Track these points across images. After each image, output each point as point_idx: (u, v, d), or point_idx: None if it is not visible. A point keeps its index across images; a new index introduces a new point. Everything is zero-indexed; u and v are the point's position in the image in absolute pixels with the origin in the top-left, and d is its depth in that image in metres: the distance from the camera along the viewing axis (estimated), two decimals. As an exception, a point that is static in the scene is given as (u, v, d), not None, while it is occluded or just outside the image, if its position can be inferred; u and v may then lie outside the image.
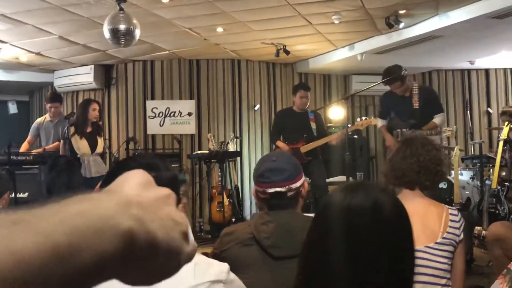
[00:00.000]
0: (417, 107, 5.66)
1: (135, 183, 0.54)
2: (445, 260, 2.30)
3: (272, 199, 2.05)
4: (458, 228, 2.36)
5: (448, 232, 2.33)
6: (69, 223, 0.44)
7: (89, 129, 6.17)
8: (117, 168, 1.48)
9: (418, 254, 2.21)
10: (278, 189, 2.03)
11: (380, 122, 6.10)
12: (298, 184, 2.08)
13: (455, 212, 2.41)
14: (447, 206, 2.43)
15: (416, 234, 2.15)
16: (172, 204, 0.54)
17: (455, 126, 5.82)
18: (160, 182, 1.44)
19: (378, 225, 1.23)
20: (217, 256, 2.09)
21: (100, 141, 6.22)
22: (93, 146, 6.12)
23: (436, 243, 2.30)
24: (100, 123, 6.63)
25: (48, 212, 0.44)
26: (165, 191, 0.55)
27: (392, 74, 5.64)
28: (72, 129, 6.04)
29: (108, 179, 1.44)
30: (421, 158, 2.44)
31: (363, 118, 6.29)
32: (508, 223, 3.58)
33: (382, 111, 6.20)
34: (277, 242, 1.96)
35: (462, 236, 2.36)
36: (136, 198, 0.50)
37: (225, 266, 1.48)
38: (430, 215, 2.35)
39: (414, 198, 2.41)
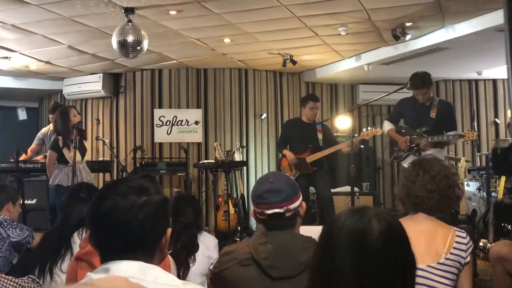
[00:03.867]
0: (433, 117, 5.61)
1: None
2: (447, 282, 2.29)
3: (270, 220, 2.08)
4: (465, 251, 2.33)
5: (452, 253, 2.31)
6: None
7: (72, 136, 5.90)
8: (106, 191, 1.49)
9: (420, 272, 2.25)
10: (276, 210, 2.06)
11: (387, 125, 5.95)
12: (296, 204, 2.11)
13: (463, 234, 2.38)
14: (455, 228, 2.41)
15: (420, 253, 2.17)
16: None
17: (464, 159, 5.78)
18: (150, 205, 1.45)
19: (389, 248, 1.27)
20: (216, 275, 2.13)
21: (86, 145, 6.17)
22: (82, 153, 6.04)
23: (439, 263, 2.29)
24: (80, 126, 6.26)
25: None
26: None
27: (421, 80, 5.49)
28: (61, 140, 5.95)
29: (97, 202, 1.45)
30: (441, 185, 2.41)
31: (369, 128, 6.28)
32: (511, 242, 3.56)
33: (393, 115, 6.07)
34: (276, 263, 1.98)
35: (468, 259, 2.33)
36: None
37: None
38: (436, 236, 2.35)
39: (424, 220, 2.41)
